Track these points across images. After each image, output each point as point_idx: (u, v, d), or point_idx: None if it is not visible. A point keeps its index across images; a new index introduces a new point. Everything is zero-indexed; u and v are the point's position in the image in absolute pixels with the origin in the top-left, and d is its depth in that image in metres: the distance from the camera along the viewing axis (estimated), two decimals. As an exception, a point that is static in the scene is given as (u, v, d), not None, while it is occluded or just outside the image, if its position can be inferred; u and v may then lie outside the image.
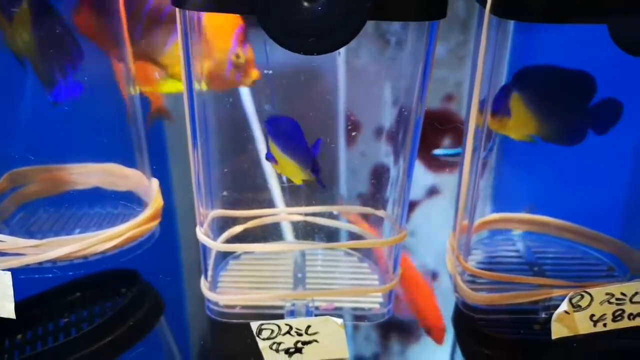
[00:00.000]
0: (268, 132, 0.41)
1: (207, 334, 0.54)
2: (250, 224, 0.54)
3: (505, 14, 0.39)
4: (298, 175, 0.42)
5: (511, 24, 0.43)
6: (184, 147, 0.53)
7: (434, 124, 0.66)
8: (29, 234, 0.54)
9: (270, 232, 0.56)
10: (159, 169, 0.59)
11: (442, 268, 0.64)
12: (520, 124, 0.47)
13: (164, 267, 0.57)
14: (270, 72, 0.44)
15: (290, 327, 0.43)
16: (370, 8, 0.35)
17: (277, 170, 0.45)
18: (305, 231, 0.56)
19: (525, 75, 0.47)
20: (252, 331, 0.43)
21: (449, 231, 0.56)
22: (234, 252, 0.54)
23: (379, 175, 0.52)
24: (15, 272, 0.47)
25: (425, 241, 0.68)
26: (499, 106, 0.47)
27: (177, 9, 0.41)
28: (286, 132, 0.40)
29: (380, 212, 0.52)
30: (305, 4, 0.35)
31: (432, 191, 0.73)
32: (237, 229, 0.53)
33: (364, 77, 0.48)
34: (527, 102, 0.46)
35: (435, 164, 0.72)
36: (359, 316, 0.50)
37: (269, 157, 0.42)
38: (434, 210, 0.73)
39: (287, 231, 0.57)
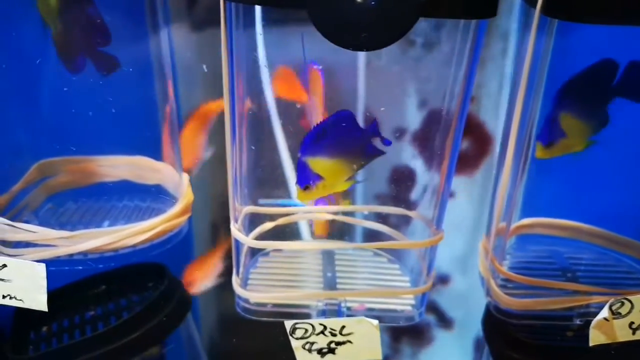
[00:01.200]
0: (307, 151, 0.40)
1: (235, 330, 0.54)
2: (280, 221, 0.53)
3: (562, 14, 0.38)
4: (344, 176, 0.41)
5: (555, 26, 0.43)
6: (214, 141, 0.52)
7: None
8: (58, 225, 0.53)
9: (299, 230, 0.55)
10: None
11: (456, 269, 0.64)
12: (577, 137, 0.48)
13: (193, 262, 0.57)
14: (321, 67, 0.43)
15: (325, 327, 0.42)
16: (422, 4, 0.34)
17: (314, 195, 0.42)
18: (335, 230, 0.55)
19: (566, 92, 0.47)
20: (280, 329, 0.43)
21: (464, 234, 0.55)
22: (263, 249, 0.54)
23: (416, 176, 0.51)
24: (45, 263, 0.47)
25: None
26: (551, 136, 0.47)
27: (221, 1, 0.40)
28: (342, 127, 0.39)
29: (412, 213, 0.52)
30: (359, -2, 0.34)
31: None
32: (268, 225, 0.53)
33: (403, 78, 0.48)
34: (577, 115, 0.47)
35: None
36: (390, 318, 0.49)
37: (306, 182, 0.41)
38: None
39: (316, 229, 0.56)
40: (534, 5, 0.40)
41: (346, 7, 0.35)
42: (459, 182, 0.71)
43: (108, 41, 0.50)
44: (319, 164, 0.41)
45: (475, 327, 0.60)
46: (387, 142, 0.42)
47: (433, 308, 0.67)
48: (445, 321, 0.68)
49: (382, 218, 0.54)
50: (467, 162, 0.69)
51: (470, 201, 0.68)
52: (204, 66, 0.54)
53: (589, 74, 0.46)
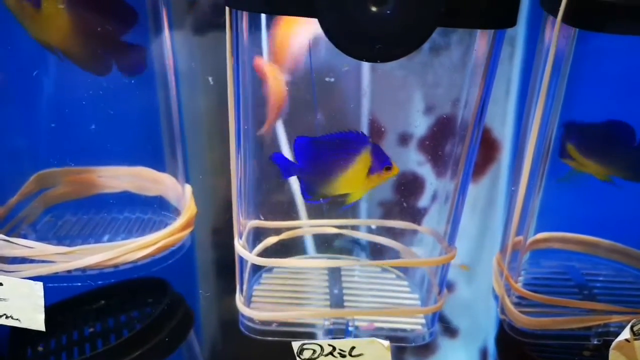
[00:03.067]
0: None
1: (240, 348, 0.52)
2: (284, 236, 0.51)
3: (584, 23, 0.37)
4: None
5: (575, 35, 0.41)
6: (217, 152, 0.51)
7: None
8: (56, 238, 0.52)
9: (305, 245, 0.53)
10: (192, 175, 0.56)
11: (462, 277, 0.62)
12: (589, 168, 0.48)
13: (196, 277, 0.55)
14: (332, 80, 0.42)
15: (334, 348, 0.41)
16: (441, 14, 0.33)
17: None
18: (341, 245, 0.53)
19: (571, 131, 0.47)
20: (287, 347, 0.41)
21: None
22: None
23: (425, 188, 0.49)
24: (43, 279, 0.45)
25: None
26: (563, 153, 0.46)
27: (227, 9, 0.38)
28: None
29: (424, 229, 0.50)
30: (373, 8, 0.32)
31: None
32: (272, 239, 0.51)
33: (412, 83, 0.46)
34: (583, 154, 0.46)
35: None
36: (399, 337, 0.47)
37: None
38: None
39: (323, 244, 0.54)
40: (553, 14, 0.38)
41: (360, 16, 0.33)
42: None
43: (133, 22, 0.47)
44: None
45: (480, 336, 0.58)
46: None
47: (438, 316, 0.66)
48: (450, 330, 0.66)
49: (389, 228, 0.52)
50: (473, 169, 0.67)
51: (476, 208, 0.66)
52: (210, 78, 0.52)
53: (602, 130, 0.47)
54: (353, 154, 0.39)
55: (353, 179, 0.40)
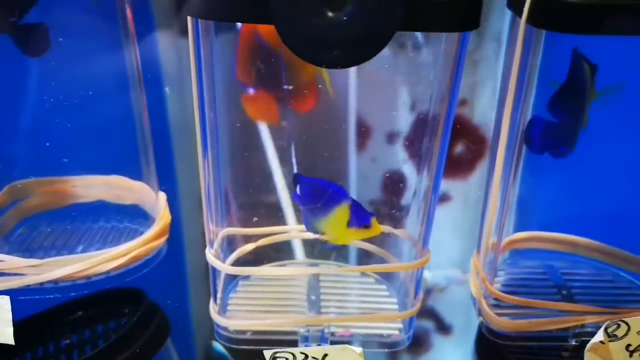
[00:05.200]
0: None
1: (216, 359, 0.51)
2: (261, 242, 0.51)
3: (545, 24, 0.36)
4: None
5: (543, 35, 0.41)
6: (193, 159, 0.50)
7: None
8: (30, 251, 0.51)
9: (283, 250, 0.53)
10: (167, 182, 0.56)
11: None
12: None
13: (171, 286, 0.54)
14: (291, 87, 0.41)
15: (306, 356, 0.40)
16: (401, 18, 0.32)
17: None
18: (320, 249, 0.53)
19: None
20: (263, 357, 0.41)
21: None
22: (244, 271, 0.52)
23: (401, 191, 0.49)
24: (14, 293, 0.45)
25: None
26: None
27: (188, 18, 0.38)
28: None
29: (399, 232, 0.49)
30: (330, 13, 0.32)
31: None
32: (248, 247, 0.51)
33: (387, 84, 0.46)
34: None
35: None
36: (377, 343, 0.47)
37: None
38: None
39: (300, 249, 0.54)
40: (518, 14, 0.37)
41: (317, 22, 0.32)
42: (454, 186, 0.69)
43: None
44: None
45: (473, 334, 0.58)
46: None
47: (431, 314, 0.65)
48: (443, 327, 0.66)
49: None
50: (462, 165, 0.67)
51: (466, 205, 0.66)
52: (167, 89, 0.52)
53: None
54: (333, 204, 0.41)
55: (334, 227, 0.41)
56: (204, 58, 0.40)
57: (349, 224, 0.40)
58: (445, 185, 0.70)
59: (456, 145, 0.67)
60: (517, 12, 0.39)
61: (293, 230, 0.52)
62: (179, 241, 0.58)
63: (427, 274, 0.63)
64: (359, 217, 0.40)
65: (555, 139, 0.47)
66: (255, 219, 0.50)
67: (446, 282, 0.64)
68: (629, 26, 0.35)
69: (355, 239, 0.43)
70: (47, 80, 0.51)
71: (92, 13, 0.49)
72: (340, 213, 0.40)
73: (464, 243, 0.62)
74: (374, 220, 0.40)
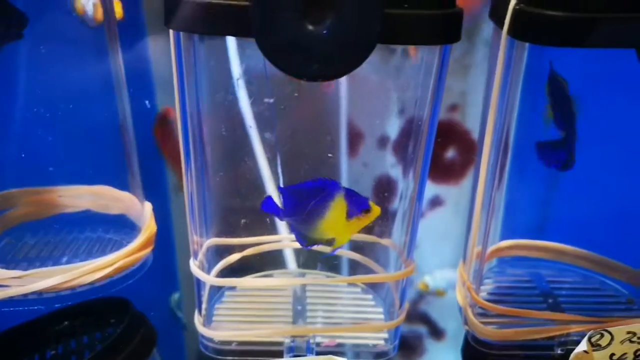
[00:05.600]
0: None
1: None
2: (247, 252, 0.51)
3: (524, 36, 0.36)
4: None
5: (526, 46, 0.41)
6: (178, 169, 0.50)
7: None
8: (14, 262, 0.51)
9: (269, 260, 0.53)
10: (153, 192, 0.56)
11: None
12: None
13: (157, 297, 0.54)
14: (272, 100, 0.41)
15: (290, 367, 0.40)
16: (379, 32, 0.32)
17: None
18: (306, 259, 0.53)
19: None
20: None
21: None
22: (230, 282, 0.51)
23: (385, 199, 0.49)
24: (-4, 305, 0.45)
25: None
26: None
27: (170, 31, 0.38)
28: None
29: (385, 241, 0.49)
30: (310, 26, 0.32)
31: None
32: (234, 257, 0.50)
33: (373, 92, 0.46)
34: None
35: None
36: (362, 353, 0.47)
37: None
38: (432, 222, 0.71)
39: (287, 259, 0.54)
40: (500, 26, 0.38)
41: (296, 35, 0.32)
42: (446, 191, 0.70)
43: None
44: None
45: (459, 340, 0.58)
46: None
47: (424, 319, 0.65)
48: (436, 332, 0.66)
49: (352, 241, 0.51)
50: (453, 171, 0.67)
51: (457, 210, 0.66)
52: (147, 102, 0.52)
53: None
54: (327, 201, 0.39)
55: (334, 225, 0.39)
56: (187, 69, 0.40)
57: (349, 215, 0.38)
58: (437, 189, 0.70)
59: (448, 151, 0.68)
60: (499, 23, 0.39)
61: (280, 240, 0.52)
62: (168, 250, 0.58)
63: (428, 279, 0.63)
64: (357, 204, 0.38)
65: (560, 154, 0.47)
66: (243, 221, 0.50)
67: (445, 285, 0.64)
68: (610, 39, 0.35)
69: (357, 230, 0.40)
70: (32, 89, 0.51)
71: (76, 21, 0.49)
72: (338, 206, 0.38)
73: (456, 247, 0.62)
74: (371, 203, 0.38)
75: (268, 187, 0.51)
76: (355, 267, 0.53)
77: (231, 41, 0.41)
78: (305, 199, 0.39)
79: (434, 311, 0.64)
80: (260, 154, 0.50)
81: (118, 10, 0.50)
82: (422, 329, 0.64)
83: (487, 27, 0.64)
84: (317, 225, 0.39)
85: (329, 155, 0.50)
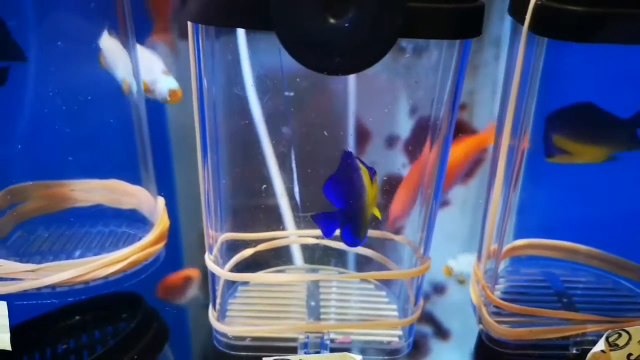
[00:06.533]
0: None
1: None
2: (261, 247, 0.51)
3: (545, 32, 0.36)
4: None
5: (545, 42, 0.40)
6: (192, 164, 0.50)
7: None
8: (27, 255, 0.51)
9: (282, 255, 0.52)
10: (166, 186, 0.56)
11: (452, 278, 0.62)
12: (583, 155, 0.47)
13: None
14: (292, 94, 0.41)
15: (305, 364, 0.40)
16: (401, 25, 0.32)
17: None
18: (319, 255, 0.53)
19: (555, 122, 0.46)
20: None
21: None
22: (243, 277, 0.51)
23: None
24: (11, 298, 0.44)
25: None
26: (550, 150, 0.45)
27: (189, 23, 0.38)
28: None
29: (399, 238, 0.49)
30: (332, 20, 0.32)
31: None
32: (248, 252, 0.50)
33: (388, 89, 0.45)
34: (571, 139, 0.45)
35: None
36: (376, 350, 0.47)
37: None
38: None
39: (300, 255, 0.53)
40: (520, 22, 0.37)
41: (318, 28, 0.32)
42: (453, 191, 0.69)
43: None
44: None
45: (472, 339, 0.58)
46: None
47: (429, 319, 0.65)
48: (441, 332, 0.66)
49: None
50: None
51: (464, 210, 0.66)
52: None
53: (571, 112, 0.46)
54: (357, 171, 0.37)
55: (371, 195, 0.38)
56: (204, 62, 0.40)
57: (371, 179, 0.37)
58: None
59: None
60: (519, 19, 0.38)
61: (293, 235, 0.52)
62: (178, 246, 0.58)
63: (452, 263, 0.62)
64: (366, 167, 0.37)
65: None
66: (256, 219, 0.50)
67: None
68: (632, 34, 0.35)
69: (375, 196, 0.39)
70: (46, 84, 0.50)
71: (91, 16, 0.49)
72: (365, 173, 0.37)
73: (463, 247, 0.62)
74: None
75: (278, 183, 0.51)
76: (367, 264, 0.52)
77: (243, 36, 0.41)
78: (348, 182, 0.37)
79: (438, 311, 0.64)
80: (269, 152, 0.50)
81: None
82: (426, 328, 0.64)
83: (497, 27, 0.64)
84: (365, 198, 0.37)
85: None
